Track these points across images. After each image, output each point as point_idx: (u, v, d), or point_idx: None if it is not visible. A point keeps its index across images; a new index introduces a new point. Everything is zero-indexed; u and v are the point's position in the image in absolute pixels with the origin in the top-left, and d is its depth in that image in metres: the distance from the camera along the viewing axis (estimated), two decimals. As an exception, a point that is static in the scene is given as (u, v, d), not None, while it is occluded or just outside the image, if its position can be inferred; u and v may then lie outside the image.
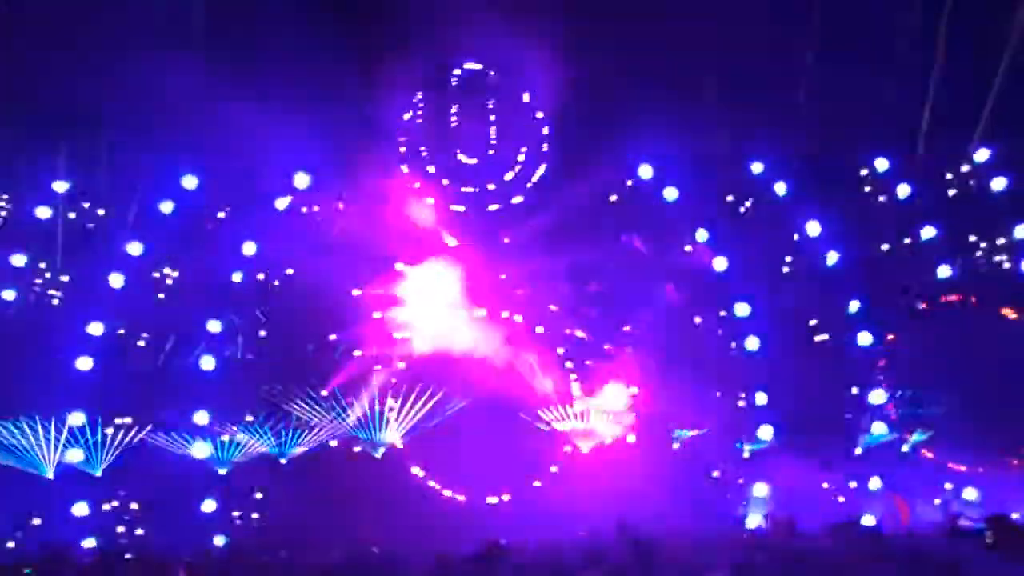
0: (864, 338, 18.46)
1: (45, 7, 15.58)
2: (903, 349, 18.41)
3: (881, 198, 19.09)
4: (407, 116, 19.50)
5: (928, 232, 18.53)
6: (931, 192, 18.75)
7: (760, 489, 18.03)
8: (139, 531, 17.21)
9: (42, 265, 17.90)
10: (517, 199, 19.46)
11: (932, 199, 18.72)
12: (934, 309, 18.48)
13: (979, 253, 18.51)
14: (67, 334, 17.29)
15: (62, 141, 17.30)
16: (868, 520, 16.53)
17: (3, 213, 17.97)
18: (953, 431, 17.49)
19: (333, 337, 18.52)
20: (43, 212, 17.99)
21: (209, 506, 17.43)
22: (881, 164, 18.94)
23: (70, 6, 16.19)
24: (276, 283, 18.79)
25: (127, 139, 16.81)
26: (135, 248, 17.97)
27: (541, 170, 19.53)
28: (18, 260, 17.66)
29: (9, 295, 17.51)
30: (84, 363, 17.29)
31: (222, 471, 17.74)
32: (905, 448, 18.15)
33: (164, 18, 15.78)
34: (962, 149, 18.63)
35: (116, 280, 17.78)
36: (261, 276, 18.65)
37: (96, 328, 17.52)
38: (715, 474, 18.48)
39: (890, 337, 18.55)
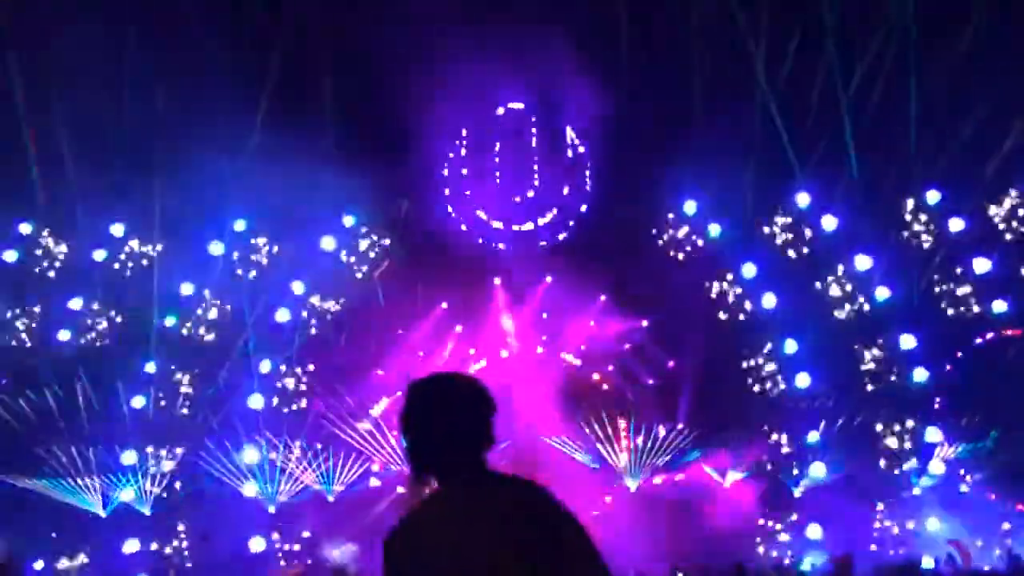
0: (919, 374, 17.99)
1: (101, 59, 16.17)
2: (960, 385, 17.85)
3: (932, 231, 18.59)
4: (451, 155, 19.74)
5: (983, 265, 18.01)
6: (983, 225, 18.22)
7: (814, 530, 17.57)
8: (188, 566, 17.37)
9: (95, 307, 18.30)
10: (561, 235, 19.50)
11: (985, 232, 18.19)
12: (991, 344, 17.93)
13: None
14: (121, 373, 17.73)
15: (115, 186, 17.79)
16: (927, 563, 15.99)
17: (61, 256, 18.46)
18: (1014, 469, 16.85)
19: (381, 372, 18.63)
20: (99, 255, 18.49)
21: (258, 544, 17.53)
22: (932, 197, 18.51)
23: (126, 62, 16.84)
24: (319, 320, 19.01)
25: (178, 181, 17.23)
26: (186, 288, 18.39)
27: (584, 207, 19.57)
28: (75, 304, 18.13)
29: (65, 335, 17.94)
30: (137, 401, 17.69)
31: (271, 508, 17.90)
32: (964, 488, 17.55)
33: (211, 65, 16.25)
34: (1012, 181, 18.14)
35: (169, 320, 18.21)
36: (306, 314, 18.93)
37: (150, 367, 17.94)
38: (764, 522, 18.05)
39: (947, 371, 18.03)
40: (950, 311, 18.14)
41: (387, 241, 19.45)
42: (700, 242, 19.33)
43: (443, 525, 2.82)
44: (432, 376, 3.08)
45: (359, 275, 19.29)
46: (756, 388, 18.68)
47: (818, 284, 18.62)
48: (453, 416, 2.93)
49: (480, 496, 2.84)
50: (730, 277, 19.07)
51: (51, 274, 18.40)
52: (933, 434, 17.74)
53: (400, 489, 18.15)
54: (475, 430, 2.96)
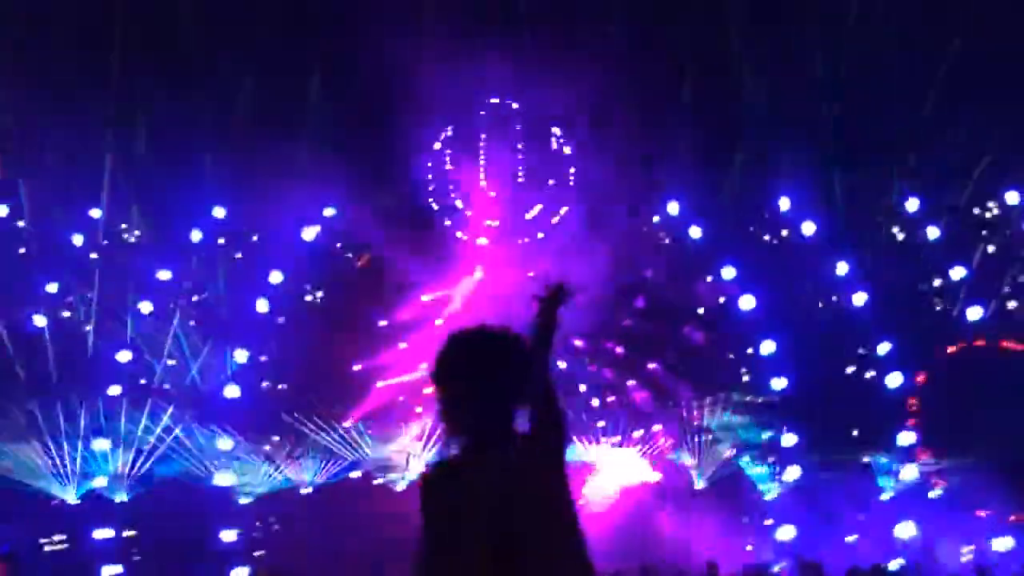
0: (894, 379, 18.19)
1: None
2: (934, 391, 18.08)
3: (907, 238, 18.77)
4: (436, 146, 19.60)
5: (958, 273, 18.24)
6: (962, 233, 18.43)
7: (786, 532, 17.73)
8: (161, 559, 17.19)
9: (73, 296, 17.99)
10: (541, 234, 19.46)
11: (963, 240, 18.41)
12: (966, 351, 18.17)
13: (1010, 295, 18.17)
14: (95, 361, 17.48)
15: (95, 169, 17.50)
16: (895, 566, 16.18)
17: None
18: (985, 477, 17.08)
19: (358, 367, 18.54)
20: (77, 239, 18.18)
21: (229, 536, 17.40)
22: (911, 204, 18.69)
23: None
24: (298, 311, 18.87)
25: (159, 167, 17.01)
26: (164, 275, 18.15)
27: (566, 208, 19.54)
28: (51, 288, 17.76)
29: (41, 321, 17.61)
30: (113, 390, 17.45)
31: (244, 500, 17.78)
32: (934, 493, 17.80)
33: (190, 53, 16.07)
34: (994, 190, 18.35)
35: (144, 307, 17.96)
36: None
37: (124, 356, 17.70)
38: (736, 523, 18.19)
39: (920, 379, 18.26)
40: (927, 318, 18.39)
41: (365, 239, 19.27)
42: (681, 242, 19.39)
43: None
44: (465, 334, 2.89)
45: (340, 264, 19.15)
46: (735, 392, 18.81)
47: (799, 286, 18.77)
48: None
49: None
50: (708, 279, 19.17)
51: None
52: (905, 438, 18.02)
53: (378, 480, 18.12)
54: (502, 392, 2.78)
